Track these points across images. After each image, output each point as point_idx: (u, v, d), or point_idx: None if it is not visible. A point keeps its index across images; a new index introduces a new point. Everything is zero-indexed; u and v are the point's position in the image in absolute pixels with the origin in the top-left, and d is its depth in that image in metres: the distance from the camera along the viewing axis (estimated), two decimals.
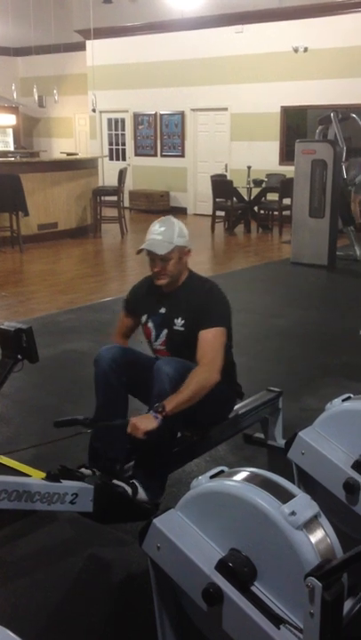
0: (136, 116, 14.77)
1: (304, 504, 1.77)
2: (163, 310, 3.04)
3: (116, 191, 11.36)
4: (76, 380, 4.71)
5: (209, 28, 13.06)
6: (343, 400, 2.40)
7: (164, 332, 3.03)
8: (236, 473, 1.91)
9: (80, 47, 15.25)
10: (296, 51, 12.18)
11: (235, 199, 11.77)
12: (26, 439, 3.97)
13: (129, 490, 2.74)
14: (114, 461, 2.86)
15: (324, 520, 1.79)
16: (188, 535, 1.85)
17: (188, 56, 13.46)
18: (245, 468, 1.93)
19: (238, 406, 3.40)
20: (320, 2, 11.77)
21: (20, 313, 6.75)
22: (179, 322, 2.98)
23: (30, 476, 2.87)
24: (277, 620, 1.70)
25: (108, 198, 11.64)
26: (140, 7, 14.15)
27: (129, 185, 14.25)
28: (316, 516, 1.77)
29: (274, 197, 11.67)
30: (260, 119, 12.89)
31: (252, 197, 11.95)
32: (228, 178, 12.52)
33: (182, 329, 2.98)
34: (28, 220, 10.19)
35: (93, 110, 14.08)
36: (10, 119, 17.59)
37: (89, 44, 14.38)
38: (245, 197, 11.92)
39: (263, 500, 1.75)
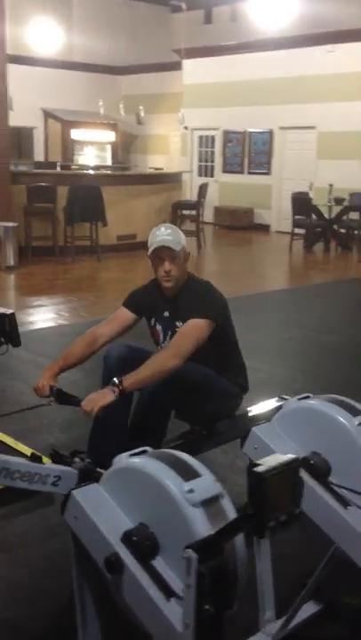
0: (226, 133, 14.98)
1: (206, 484, 1.83)
2: (166, 314, 3.20)
3: (195, 205, 11.55)
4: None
5: (301, 47, 13.11)
6: (300, 399, 2.43)
7: (170, 334, 3.19)
8: (155, 453, 1.99)
9: (178, 66, 15.67)
10: None
11: (314, 217, 11.70)
12: (47, 429, 4.18)
13: None
14: (107, 455, 2.99)
15: (226, 501, 1.83)
16: (102, 508, 1.94)
17: (279, 75, 13.53)
18: (166, 450, 2.01)
19: (249, 409, 3.43)
20: None
21: (81, 316, 7.03)
22: (180, 324, 3.10)
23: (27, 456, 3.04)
24: (169, 593, 1.77)
25: (190, 212, 11.84)
26: (238, 26, 14.39)
27: (214, 201, 14.44)
28: (217, 497, 1.82)
29: (356, 217, 11.52)
30: (347, 137, 12.76)
31: (332, 216, 11.84)
32: (311, 196, 12.45)
33: None
34: (107, 230, 10.54)
35: (185, 128, 14.39)
36: (110, 136, 18.20)
37: (185, 63, 14.77)
38: (326, 215, 11.83)
39: (167, 477, 1.82)
